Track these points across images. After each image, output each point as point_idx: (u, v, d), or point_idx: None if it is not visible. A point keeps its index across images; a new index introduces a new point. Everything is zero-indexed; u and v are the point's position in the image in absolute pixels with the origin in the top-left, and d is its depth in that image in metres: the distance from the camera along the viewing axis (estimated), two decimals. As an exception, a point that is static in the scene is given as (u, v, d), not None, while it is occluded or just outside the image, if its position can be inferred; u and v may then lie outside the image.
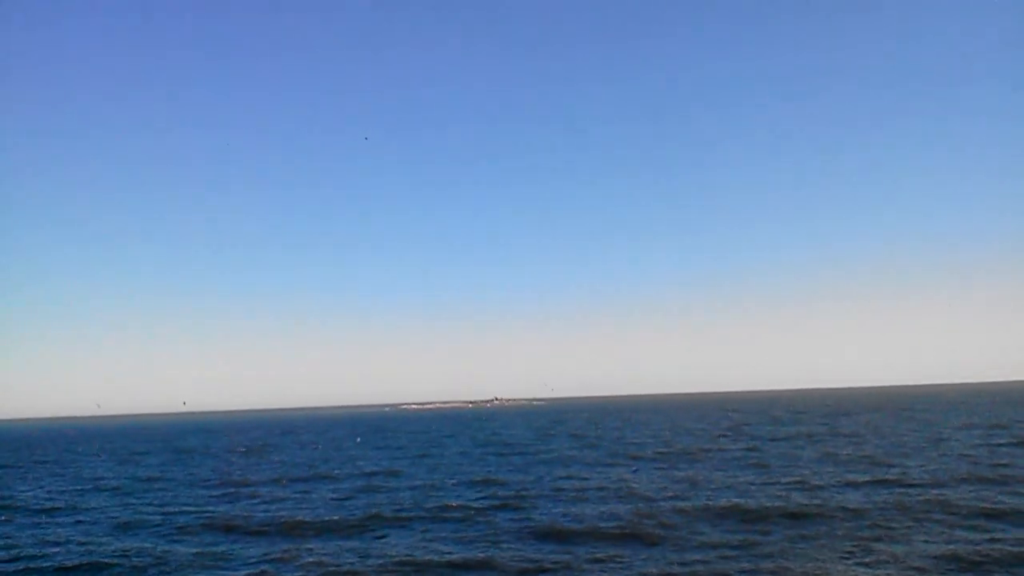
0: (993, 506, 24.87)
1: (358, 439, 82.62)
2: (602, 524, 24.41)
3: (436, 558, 20.50)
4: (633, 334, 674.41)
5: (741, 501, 27.41)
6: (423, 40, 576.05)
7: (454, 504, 29.67)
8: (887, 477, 32.56)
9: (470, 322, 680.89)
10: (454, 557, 20.62)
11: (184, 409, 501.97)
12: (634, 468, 40.60)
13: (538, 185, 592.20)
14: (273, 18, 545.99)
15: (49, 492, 39.88)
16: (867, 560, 18.59)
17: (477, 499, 30.97)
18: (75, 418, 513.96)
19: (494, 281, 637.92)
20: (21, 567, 21.65)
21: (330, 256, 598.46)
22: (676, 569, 18.53)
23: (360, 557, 21.12)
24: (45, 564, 21.92)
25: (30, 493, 39.51)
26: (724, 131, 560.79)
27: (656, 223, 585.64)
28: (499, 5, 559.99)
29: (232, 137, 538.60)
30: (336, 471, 45.30)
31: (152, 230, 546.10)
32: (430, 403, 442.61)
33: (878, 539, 20.76)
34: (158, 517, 29.55)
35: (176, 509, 31.53)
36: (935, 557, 18.54)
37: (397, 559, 20.61)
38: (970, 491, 28.02)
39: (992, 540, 20.14)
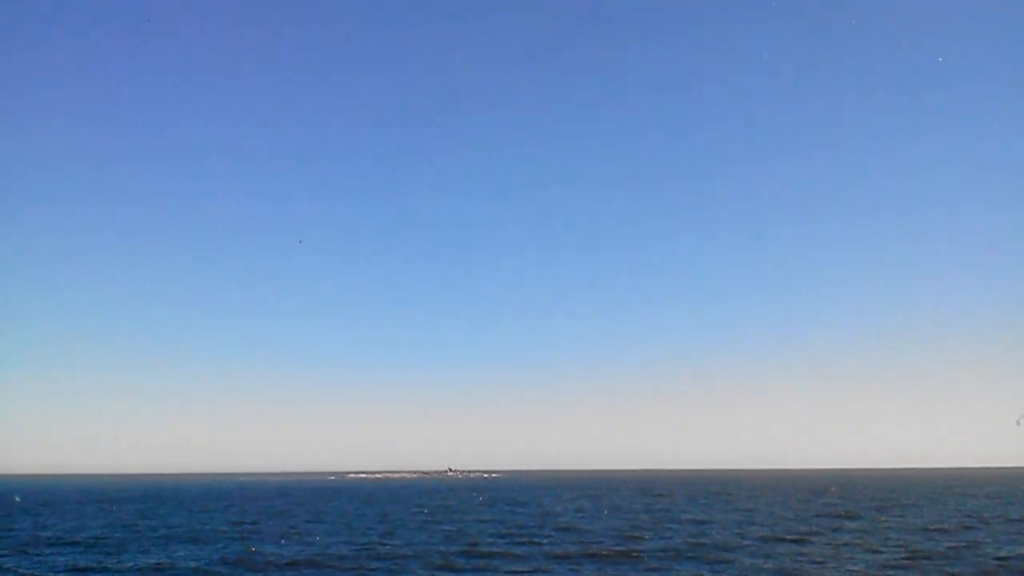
0: None
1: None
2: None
3: None
4: (599, 408, 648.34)
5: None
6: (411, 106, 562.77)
7: None
8: None
9: (424, 388, 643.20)
10: None
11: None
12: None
13: (500, 252, 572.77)
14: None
15: None
16: None
17: None
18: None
19: (452, 348, 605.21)
20: None
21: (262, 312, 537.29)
22: None
23: None
24: None
25: None
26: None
27: (619, 293, 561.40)
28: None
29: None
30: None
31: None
32: (379, 472, 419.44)
33: None
34: None
35: None
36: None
37: None
38: None
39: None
